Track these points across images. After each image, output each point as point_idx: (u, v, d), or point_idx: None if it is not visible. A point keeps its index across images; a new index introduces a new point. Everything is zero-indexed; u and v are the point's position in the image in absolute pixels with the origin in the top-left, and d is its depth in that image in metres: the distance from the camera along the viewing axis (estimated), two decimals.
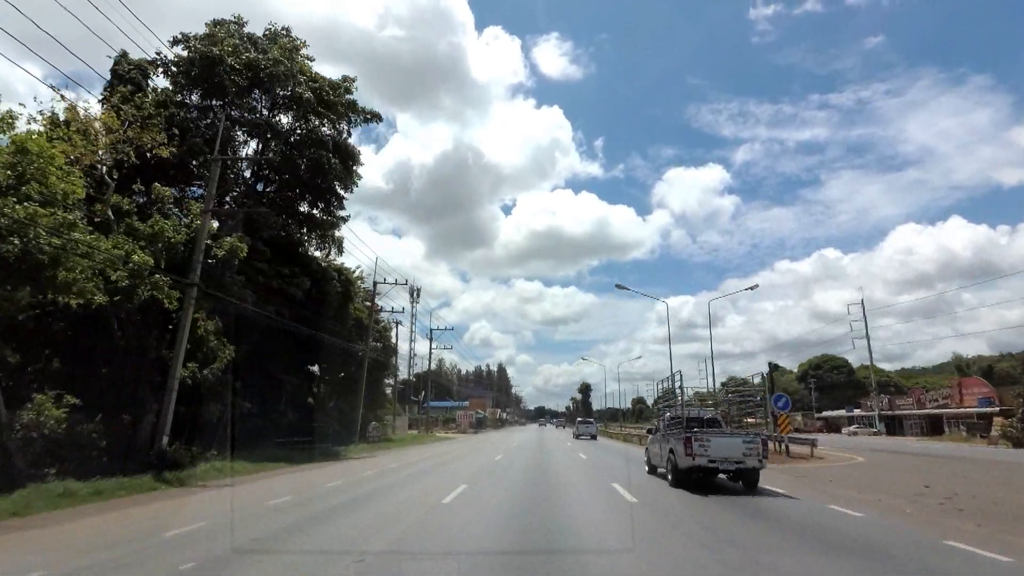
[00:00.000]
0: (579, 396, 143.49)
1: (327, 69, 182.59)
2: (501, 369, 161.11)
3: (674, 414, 16.39)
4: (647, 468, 16.87)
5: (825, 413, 71.84)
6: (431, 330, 52.94)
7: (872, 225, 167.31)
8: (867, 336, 57.66)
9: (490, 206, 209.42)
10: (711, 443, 12.44)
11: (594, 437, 46.08)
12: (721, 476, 13.33)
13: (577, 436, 46.09)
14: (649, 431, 20.73)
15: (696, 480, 12.78)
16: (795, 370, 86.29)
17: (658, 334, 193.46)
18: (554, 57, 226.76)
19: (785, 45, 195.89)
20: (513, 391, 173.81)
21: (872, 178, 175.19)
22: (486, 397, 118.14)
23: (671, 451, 13.59)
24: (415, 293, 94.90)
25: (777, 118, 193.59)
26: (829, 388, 77.49)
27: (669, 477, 13.76)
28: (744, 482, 13.04)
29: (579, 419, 61.98)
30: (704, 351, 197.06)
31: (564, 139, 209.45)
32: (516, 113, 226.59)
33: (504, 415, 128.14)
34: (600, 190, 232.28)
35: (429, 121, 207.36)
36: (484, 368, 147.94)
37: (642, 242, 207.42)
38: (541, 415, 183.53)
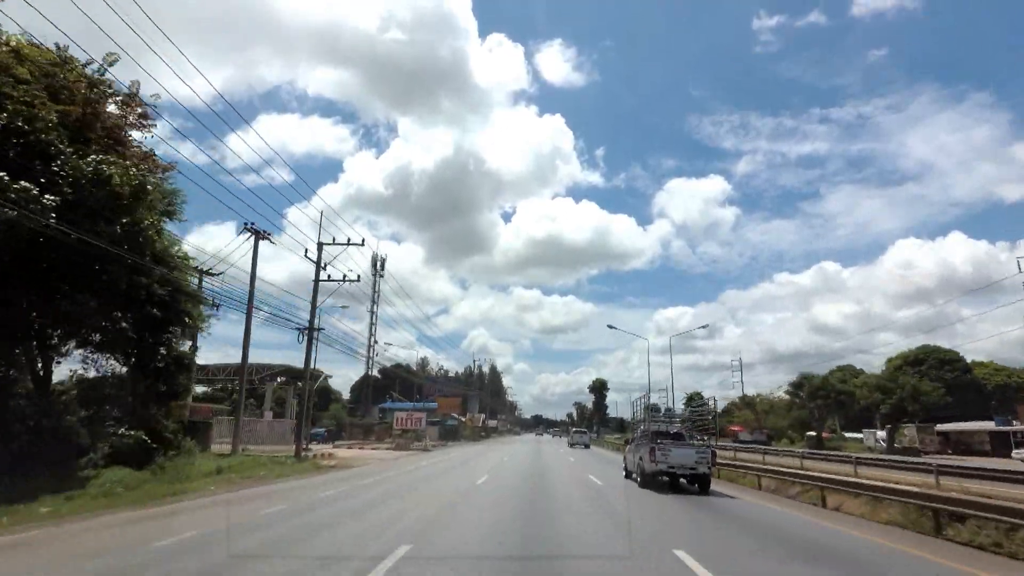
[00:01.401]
0: (589, 399, 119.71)
1: (328, 71, 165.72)
2: (494, 370, 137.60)
3: (645, 428, 20.13)
4: (624, 473, 20.34)
5: (946, 426, 50.20)
6: (319, 244, 27.38)
7: (871, 239, 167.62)
8: None
9: (490, 213, 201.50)
10: (670, 452, 15.97)
11: (587, 446, 53.01)
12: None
13: (572, 445, 54.07)
14: (626, 442, 25.39)
15: (659, 482, 16.29)
16: (882, 367, 64.93)
17: (655, 344, 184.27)
18: (557, 63, 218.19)
19: (787, 57, 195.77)
20: (509, 398, 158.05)
21: (871, 192, 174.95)
22: (471, 398, 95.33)
23: (640, 458, 17.11)
24: (379, 264, 69.67)
25: (778, 131, 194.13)
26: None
27: (637, 479, 17.32)
28: (698, 485, 15.85)
29: (573, 429, 71.51)
30: (703, 362, 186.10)
31: (565, 147, 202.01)
32: (518, 120, 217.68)
33: (495, 423, 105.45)
34: (601, 199, 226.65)
35: (430, 126, 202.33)
36: (475, 369, 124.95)
37: (642, 252, 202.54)
38: (539, 423, 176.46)
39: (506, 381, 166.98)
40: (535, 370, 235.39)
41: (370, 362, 72.03)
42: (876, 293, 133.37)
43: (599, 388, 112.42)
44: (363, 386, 76.58)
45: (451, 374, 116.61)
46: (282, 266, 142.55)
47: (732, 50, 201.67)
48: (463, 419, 72.29)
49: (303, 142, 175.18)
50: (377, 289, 70.45)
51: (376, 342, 70.29)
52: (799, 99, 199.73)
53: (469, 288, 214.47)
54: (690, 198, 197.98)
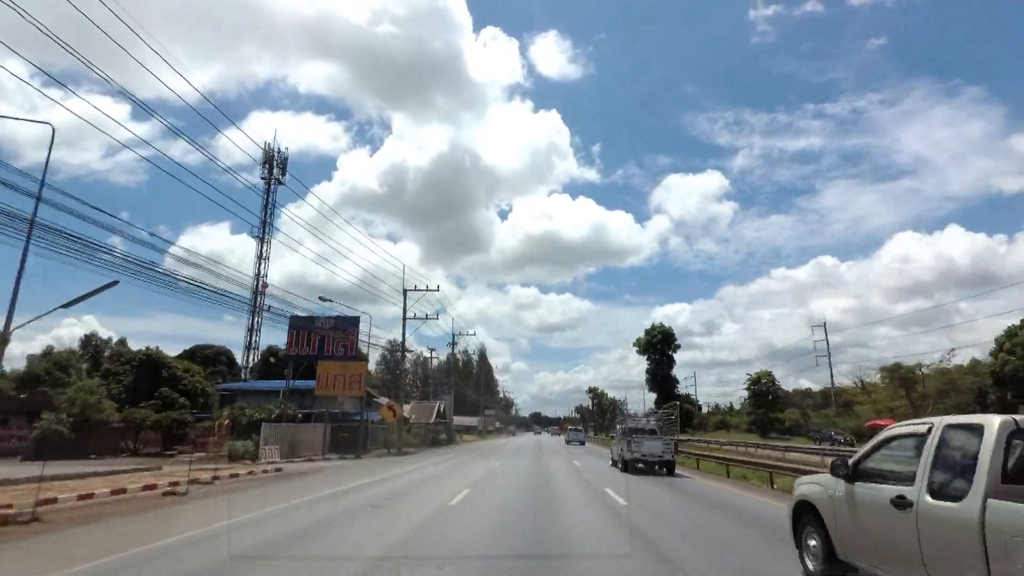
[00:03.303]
0: (629, 374, 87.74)
1: (320, 67, 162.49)
2: (483, 358, 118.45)
3: (626, 426, 25.72)
4: (611, 462, 25.59)
5: None
6: None
7: (867, 234, 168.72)
8: None
9: (486, 211, 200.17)
10: (643, 444, 21.00)
11: (582, 443, 55.94)
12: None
13: (568, 442, 55.64)
14: (612, 437, 34.42)
15: (635, 468, 21.17)
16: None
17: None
18: (552, 55, 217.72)
19: (783, 50, 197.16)
20: (503, 393, 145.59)
21: (866, 187, 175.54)
22: (442, 389, 71.81)
23: (621, 449, 22.55)
24: (273, 161, 48.53)
25: (772, 127, 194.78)
26: None
27: (619, 466, 22.62)
28: (666, 468, 20.86)
29: (570, 427, 72.46)
30: (701, 359, 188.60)
31: (562, 144, 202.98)
32: (513, 116, 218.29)
33: (475, 421, 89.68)
34: (598, 196, 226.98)
35: (424, 122, 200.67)
36: (461, 357, 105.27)
37: (640, 248, 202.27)
38: (537, 422, 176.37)
39: (504, 380, 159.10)
40: (533, 369, 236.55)
41: (255, 314, 45.51)
42: (874, 287, 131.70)
43: (661, 343, 63.36)
44: (258, 357, 49.63)
45: (434, 364, 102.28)
46: None
47: (728, 41, 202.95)
48: (388, 404, 38.04)
49: (296, 140, 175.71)
50: (270, 202, 47.61)
51: (266, 283, 44.94)
52: (792, 95, 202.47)
53: (466, 287, 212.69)
54: (688, 194, 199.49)
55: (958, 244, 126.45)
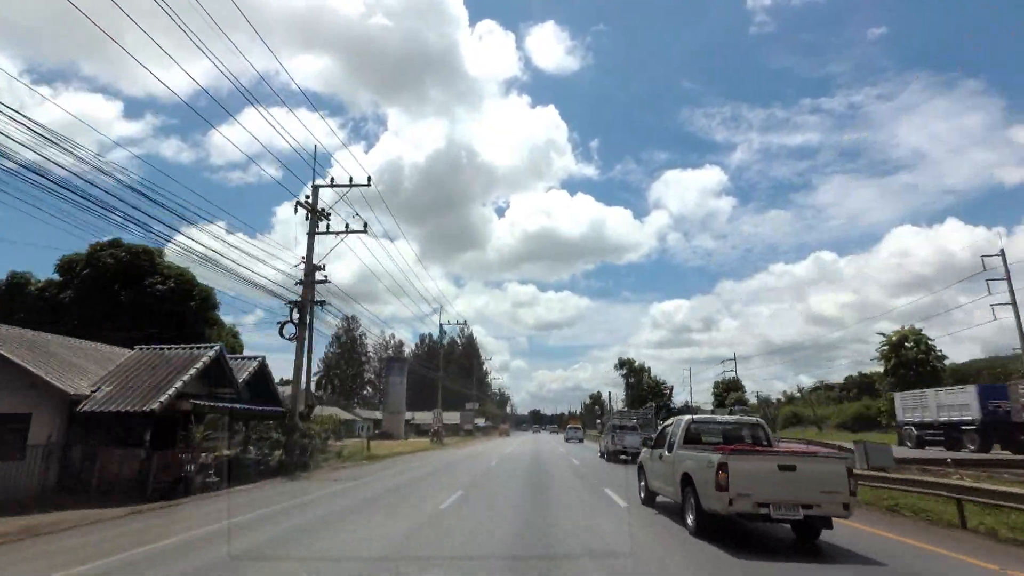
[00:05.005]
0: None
1: (307, 58, 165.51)
2: (471, 341, 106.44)
3: (612, 423, 30.95)
4: (599, 454, 30.30)
5: None
6: None
7: (864, 229, 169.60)
8: None
9: (483, 207, 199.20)
10: (624, 438, 25.30)
11: (581, 440, 57.68)
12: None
13: (567, 440, 57.16)
14: (600, 432, 42.76)
15: (618, 459, 24.60)
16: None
17: (652, 339, 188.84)
18: (550, 46, 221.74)
19: (781, 41, 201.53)
20: (496, 387, 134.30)
21: (863, 182, 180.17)
22: (392, 368, 66.46)
23: (606, 442, 27.94)
24: None
25: (769, 122, 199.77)
26: None
27: (604, 456, 27.52)
28: None
29: (569, 426, 70.78)
30: (699, 355, 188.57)
31: (560, 139, 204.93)
32: (510, 111, 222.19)
33: (429, 417, 64.97)
34: (596, 192, 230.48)
35: (419, 118, 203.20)
36: (442, 339, 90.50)
37: (638, 244, 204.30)
38: (537, 420, 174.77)
39: (504, 380, 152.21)
40: (532, 367, 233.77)
41: None
42: (872, 282, 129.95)
43: None
44: None
45: (408, 351, 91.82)
46: None
47: (727, 30, 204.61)
48: None
49: (290, 136, 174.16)
50: None
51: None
52: (790, 90, 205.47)
53: (464, 285, 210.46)
54: (686, 189, 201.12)
55: (957, 237, 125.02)
